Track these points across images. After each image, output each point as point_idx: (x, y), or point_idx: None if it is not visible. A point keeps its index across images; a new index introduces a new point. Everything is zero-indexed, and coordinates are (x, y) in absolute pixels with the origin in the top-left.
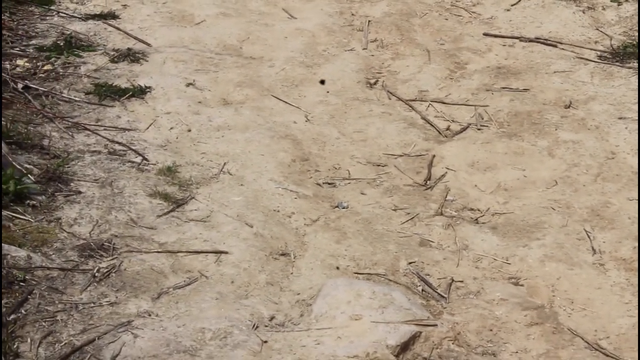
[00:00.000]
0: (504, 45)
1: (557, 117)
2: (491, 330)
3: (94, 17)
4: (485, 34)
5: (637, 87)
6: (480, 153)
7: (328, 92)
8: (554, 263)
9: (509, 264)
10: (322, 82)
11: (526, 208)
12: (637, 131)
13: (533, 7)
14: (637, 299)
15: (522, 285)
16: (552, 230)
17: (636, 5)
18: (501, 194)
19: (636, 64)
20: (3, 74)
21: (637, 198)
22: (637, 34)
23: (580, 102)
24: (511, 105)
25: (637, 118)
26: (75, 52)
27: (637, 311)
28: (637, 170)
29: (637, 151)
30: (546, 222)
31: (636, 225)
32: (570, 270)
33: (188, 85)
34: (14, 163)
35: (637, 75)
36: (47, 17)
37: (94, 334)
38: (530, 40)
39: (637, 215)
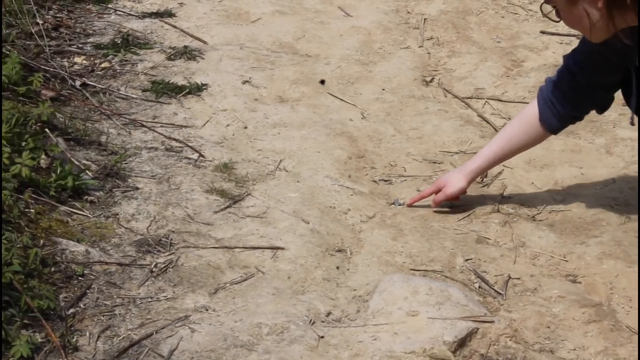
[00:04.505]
0: (561, 43)
1: (615, 115)
2: (549, 327)
3: (151, 15)
4: (542, 32)
5: None
6: (537, 151)
7: (384, 89)
8: (612, 260)
9: (567, 261)
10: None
11: (583, 205)
12: None
13: None
14: None
15: (579, 282)
16: (610, 228)
17: None
18: (558, 192)
19: None
20: (61, 72)
21: None
22: None
23: None
24: None
25: None
26: (132, 50)
27: None
28: None
29: None
30: (604, 220)
31: None
32: (629, 268)
33: (244, 82)
34: (72, 159)
35: None
36: (105, 16)
37: (152, 328)
38: None
39: None
